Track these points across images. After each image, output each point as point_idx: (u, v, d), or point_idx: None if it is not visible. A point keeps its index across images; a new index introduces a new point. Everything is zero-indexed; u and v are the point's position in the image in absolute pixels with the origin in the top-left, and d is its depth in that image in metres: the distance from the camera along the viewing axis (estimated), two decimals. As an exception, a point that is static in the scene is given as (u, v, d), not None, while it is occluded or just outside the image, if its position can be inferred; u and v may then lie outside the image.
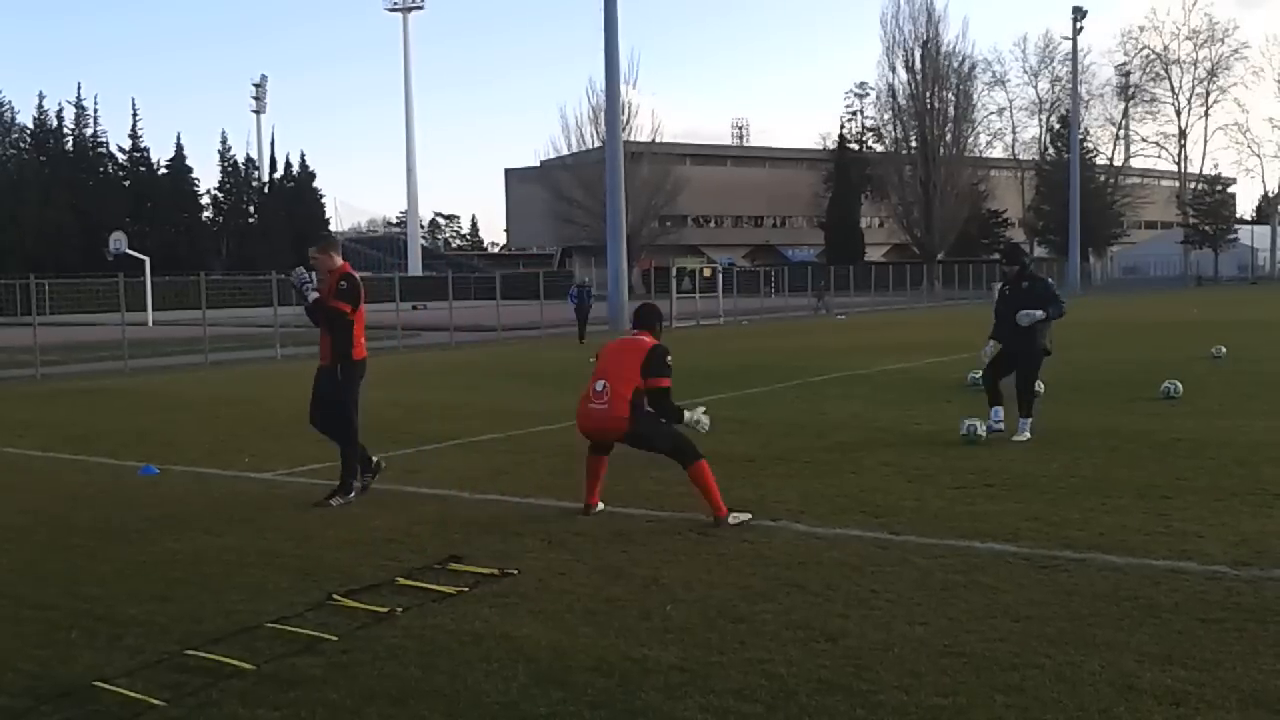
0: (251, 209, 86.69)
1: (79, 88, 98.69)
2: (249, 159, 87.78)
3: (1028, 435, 9.57)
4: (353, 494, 7.63)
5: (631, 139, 62.77)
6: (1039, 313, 9.61)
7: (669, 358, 6.79)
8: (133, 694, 4.05)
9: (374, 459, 7.92)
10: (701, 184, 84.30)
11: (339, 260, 7.82)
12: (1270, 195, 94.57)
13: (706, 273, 44.76)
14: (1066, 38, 76.40)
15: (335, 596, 5.27)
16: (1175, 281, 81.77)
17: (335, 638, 4.65)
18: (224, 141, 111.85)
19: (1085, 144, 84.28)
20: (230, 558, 6.17)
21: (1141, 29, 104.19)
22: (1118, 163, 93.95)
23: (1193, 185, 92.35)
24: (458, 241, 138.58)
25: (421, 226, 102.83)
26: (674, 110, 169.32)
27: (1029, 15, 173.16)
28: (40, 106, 79.27)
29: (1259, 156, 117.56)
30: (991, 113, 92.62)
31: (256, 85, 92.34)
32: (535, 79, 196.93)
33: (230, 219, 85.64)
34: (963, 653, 4.31)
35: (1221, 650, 4.27)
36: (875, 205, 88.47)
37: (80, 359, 23.08)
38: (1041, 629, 4.57)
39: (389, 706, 3.94)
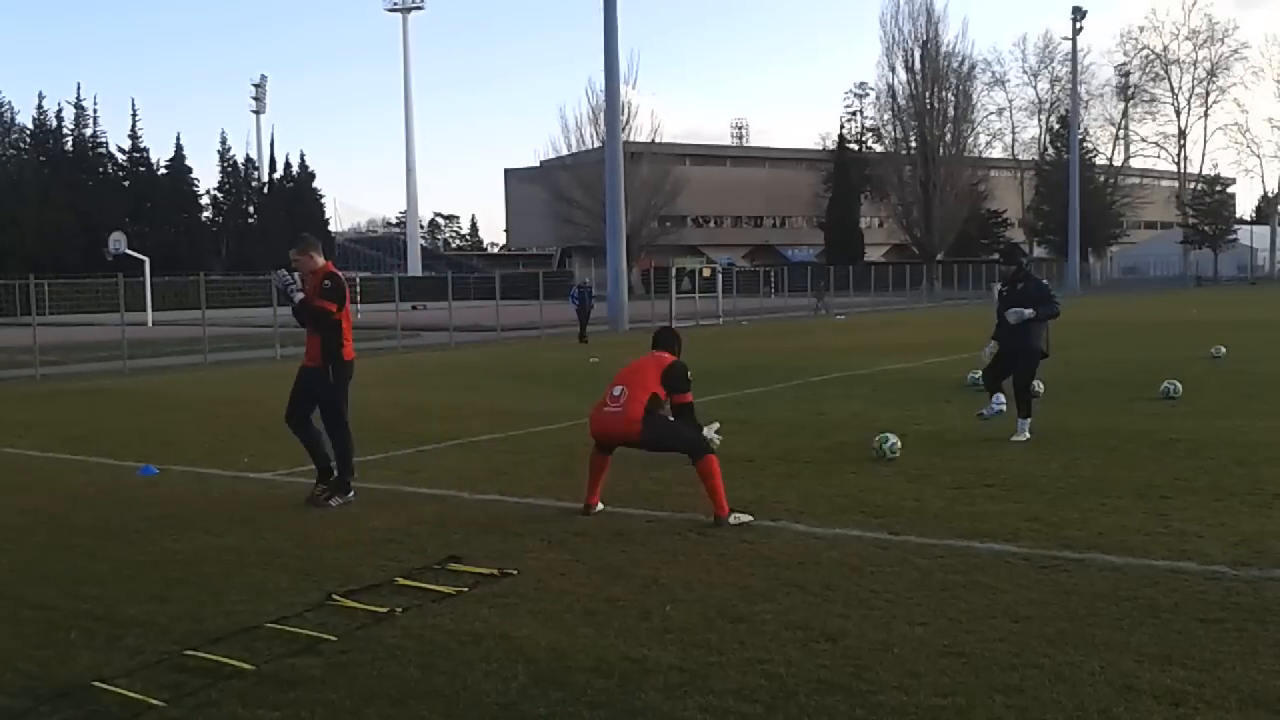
0: (251, 209, 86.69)
1: (79, 88, 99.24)
2: (249, 159, 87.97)
3: (1027, 435, 9.57)
4: (351, 494, 7.63)
5: (631, 139, 62.86)
6: (1027, 311, 9.62)
7: (689, 374, 7.00)
8: (132, 694, 4.05)
9: (334, 471, 7.76)
10: (701, 184, 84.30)
11: (320, 260, 7.77)
12: (1270, 195, 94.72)
13: (706, 273, 44.79)
14: (1066, 38, 76.54)
15: (335, 596, 5.27)
16: (1175, 281, 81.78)
17: (335, 638, 4.65)
18: (224, 141, 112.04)
19: (1085, 144, 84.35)
20: (230, 558, 6.17)
21: (1141, 29, 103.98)
22: (1117, 163, 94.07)
23: (1192, 185, 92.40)
24: (457, 242, 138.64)
25: (421, 227, 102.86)
26: (674, 110, 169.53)
27: (1029, 15, 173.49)
28: (40, 107, 79.56)
29: (1259, 156, 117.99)
30: (991, 113, 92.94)
31: (256, 85, 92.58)
32: (535, 79, 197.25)
33: (230, 219, 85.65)
34: (962, 653, 4.31)
35: (1221, 650, 4.27)
36: (875, 205, 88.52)
37: (80, 359, 23.08)
38: (1041, 629, 4.57)
39: (389, 707, 3.94)
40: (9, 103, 77.55)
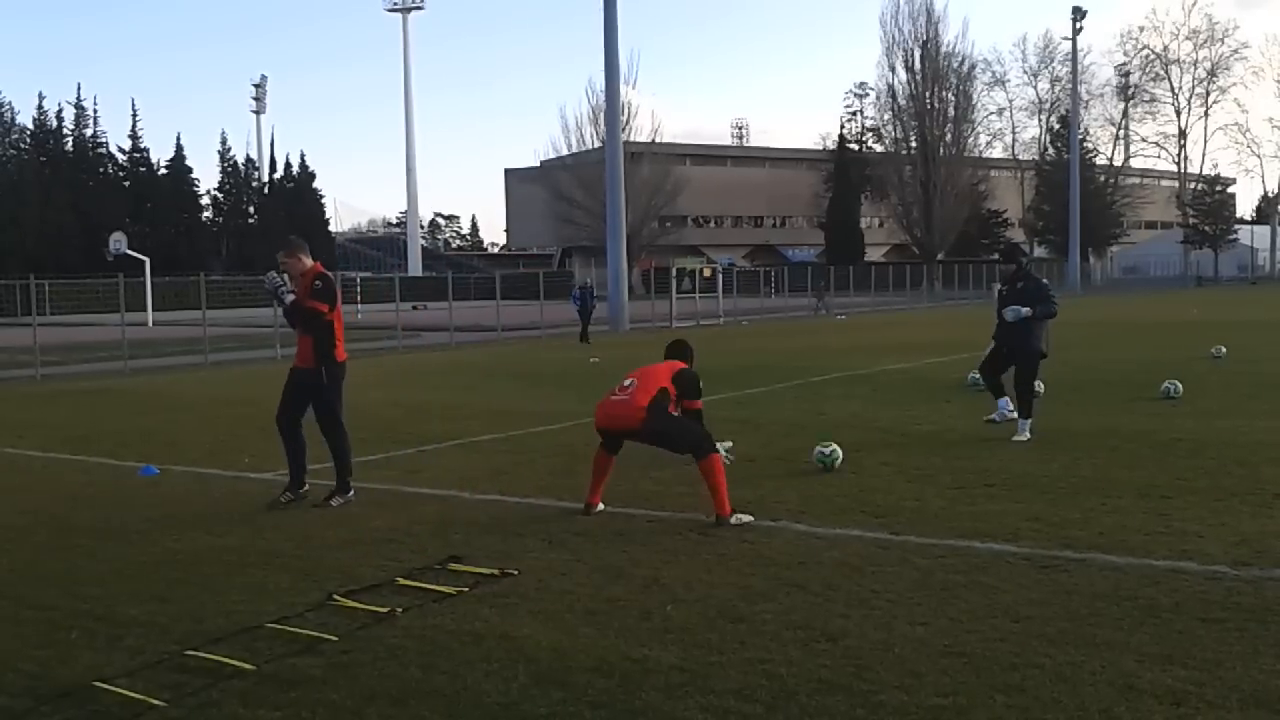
0: (251, 209, 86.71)
1: (79, 88, 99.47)
2: (249, 159, 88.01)
3: (1027, 435, 9.57)
4: (351, 493, 7.63)
5: (631, 139, 62.82)
6: (1025, 309, 9.65)
7: (700, 383, 7.18)
8: (133, 694, 4.05)
9: (306, 484, 7.73)
10: (701, 184, 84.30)
11: (308, 261, 7.76)
12: (1270, 195, 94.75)
13: (706, 273, 44.79)
14: (1066, 38, 76.57)
15: (335, 597, 5.27)
16: (1175, 281, 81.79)
17: (335, 638, 4.65)
18: (224, 142, 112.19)
19: (1085, 144, 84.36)
20: (230, 558, 6.18)
21: (1141, 29, 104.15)
22: (1117, 163, 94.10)
23: (1192, 185, 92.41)
24: (458, 242, 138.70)
25: (421, 227, 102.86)
26: (674, 110, 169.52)
27: (1029, 15, 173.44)
28: (40, 107, 79.52)
29: (1259, 156, 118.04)
30: (991, 113, 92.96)
31: (256, 85, 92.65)
32: (535, 80, 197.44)
33: (230, 219, 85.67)
34: (963, 653, 4.31)
35: (1222, 650, 4.26)
36: (875, 205, 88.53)
37: (80, 359, 23.09)
38: (1041, 629, 4.57)
39: (389, 707, 3.94)
40: (9, 103, 77.75)
